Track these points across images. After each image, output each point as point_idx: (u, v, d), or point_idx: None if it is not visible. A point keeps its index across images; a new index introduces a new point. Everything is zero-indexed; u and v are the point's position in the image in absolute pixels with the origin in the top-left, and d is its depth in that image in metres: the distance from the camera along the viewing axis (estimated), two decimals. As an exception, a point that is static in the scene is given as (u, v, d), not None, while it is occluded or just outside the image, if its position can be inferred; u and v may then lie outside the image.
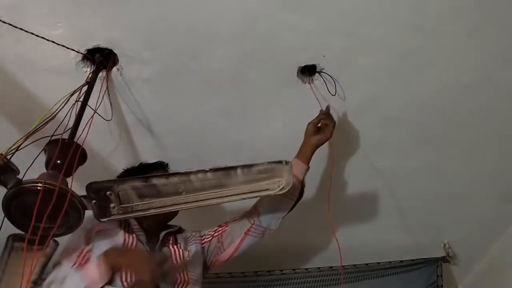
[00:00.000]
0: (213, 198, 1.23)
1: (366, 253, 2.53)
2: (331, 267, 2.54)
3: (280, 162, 1.28)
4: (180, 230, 1.64)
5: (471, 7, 1.42)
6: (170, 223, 1.62)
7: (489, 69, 1.63)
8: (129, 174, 1.63)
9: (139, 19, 1.43)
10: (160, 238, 1.52)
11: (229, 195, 1.24)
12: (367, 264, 2.56)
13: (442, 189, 2.16)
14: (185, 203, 1.22)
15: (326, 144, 1.67)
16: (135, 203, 1.19)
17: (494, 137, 1.90)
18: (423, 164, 2.03)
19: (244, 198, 1.27)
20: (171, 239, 1.57)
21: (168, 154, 1.84)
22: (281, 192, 1.29)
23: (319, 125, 1.65)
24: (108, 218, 1.18)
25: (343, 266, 2.52)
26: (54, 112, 1.35)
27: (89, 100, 1.46)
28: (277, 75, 1.64)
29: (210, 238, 1.62)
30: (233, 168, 1.24)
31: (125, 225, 1.48)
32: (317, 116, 1.66)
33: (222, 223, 1.65)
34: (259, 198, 1.58)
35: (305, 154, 1.63)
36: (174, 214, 1.57)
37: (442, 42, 1.53)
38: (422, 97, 1.73)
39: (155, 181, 1.19)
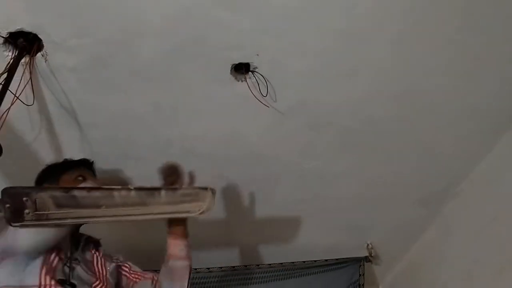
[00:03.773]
0: (132, 215, 1.25)
1: (293, 252, 2.57)
2: (258, 265, 2.58)
3: (205, 188, 1.32)
4: (99, 243, 1.57)
5: (399, 18, 1.47)
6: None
7: (413, 79, 1.69)
8: (51, 170, 1.58)
9: (68, 4, 1.37)
10: (82, 242, 1.46)
11: (148, 213, 1.27)
12: (293, 262, 2.61)
13: (365, 192, 2.23)
14: (103, 216, 1.23)
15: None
16: (51, 211, 1.18)
17: (414, 144, 1.98)
18: (348, 167, 2.08)
19: (164, 218, 1.30)
20: (92, 246, 1.52)
21: (93, 148, 1.77)
22: (201, 216, 1.30)
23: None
24: (20, 223, 1.15)
25: (269, 264, 2.57)
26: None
27: (10, 85, 1.39)
28: (210, 71, 1.62)
29: (124, 274, 1.56)
30: (158, 189, 1.27)
31: None
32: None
33: (142, 269, 1.60)
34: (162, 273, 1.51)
35: (178, 231, 1.47)
36: None
37: (371, 50, 1.58)
38: (350, 102, 1.78)
39: (76, 192, 1.20)
